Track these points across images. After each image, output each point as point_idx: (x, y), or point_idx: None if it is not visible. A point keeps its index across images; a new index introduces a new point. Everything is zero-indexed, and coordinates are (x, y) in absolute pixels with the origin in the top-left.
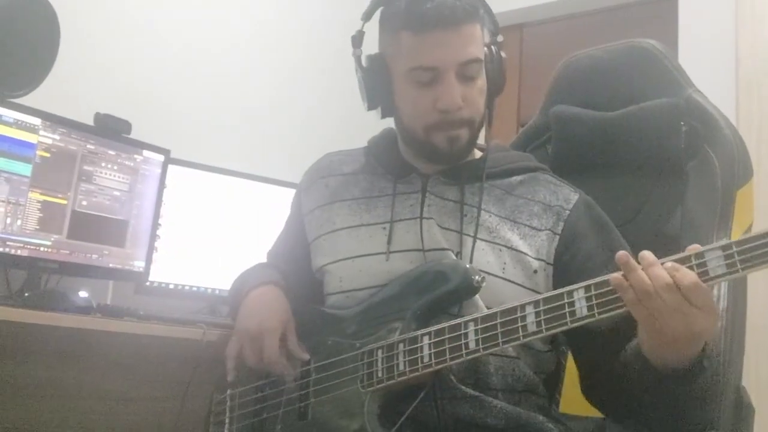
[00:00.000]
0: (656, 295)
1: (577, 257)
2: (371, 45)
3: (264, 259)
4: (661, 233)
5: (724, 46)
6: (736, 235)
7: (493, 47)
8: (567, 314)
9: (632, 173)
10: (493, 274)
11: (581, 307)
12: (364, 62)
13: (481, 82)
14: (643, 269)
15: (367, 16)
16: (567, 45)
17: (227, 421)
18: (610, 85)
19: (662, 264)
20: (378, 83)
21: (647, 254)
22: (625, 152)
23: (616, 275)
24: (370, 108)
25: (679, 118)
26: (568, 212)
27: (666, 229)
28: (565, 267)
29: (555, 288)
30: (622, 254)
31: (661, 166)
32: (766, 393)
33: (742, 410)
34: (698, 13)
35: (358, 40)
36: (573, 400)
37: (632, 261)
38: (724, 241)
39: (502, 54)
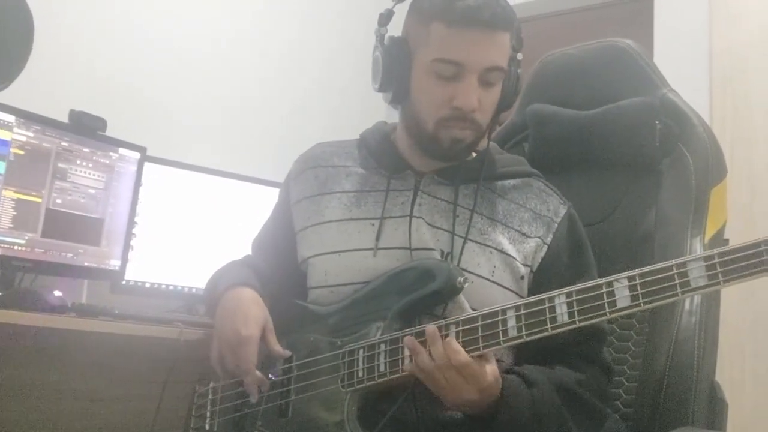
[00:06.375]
0: (439, 371)
1: (552, 281)
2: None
3: (246, 254)
4: (636, 231)
5: (699, 45)
6: (710, 232)
7: (512, 64)
8: (548, 320)
9: (608, 171)
10: (482, 277)
11: (562, 313)
12: (386, 43)
13: (497, 91)
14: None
15: None
16: (543, 44)
17: (209, 414)
18: (587, 84)
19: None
20: (397, 67)
21: (431, 330)
22: (600, 150)
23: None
24: (381, 90)
25: (654, 116)
26: (556, 225)
27: (641, 227)
28: (540, 284)
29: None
30: (430, 328)
31: (637, 165)
32: (740, 389)
33: (716, 405)
34: (673, 12)
35: (385, 18)
36: None
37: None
38: (706, 252)
39: (519, 71)
